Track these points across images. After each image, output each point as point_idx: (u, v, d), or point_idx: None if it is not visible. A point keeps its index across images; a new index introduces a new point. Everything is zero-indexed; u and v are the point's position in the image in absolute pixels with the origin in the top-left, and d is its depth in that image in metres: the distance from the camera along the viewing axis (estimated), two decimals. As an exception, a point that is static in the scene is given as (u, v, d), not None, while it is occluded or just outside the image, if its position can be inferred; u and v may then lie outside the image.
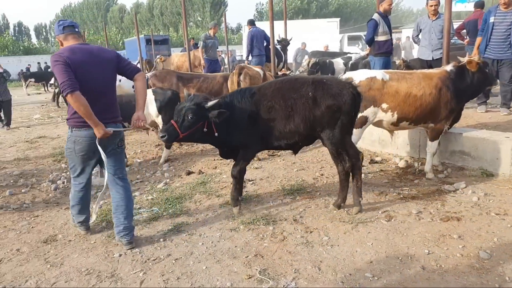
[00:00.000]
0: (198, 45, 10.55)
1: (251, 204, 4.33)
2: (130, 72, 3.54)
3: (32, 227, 4.11)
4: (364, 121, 4.71)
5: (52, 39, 77.43)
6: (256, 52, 9.68)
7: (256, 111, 3.80)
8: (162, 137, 3.64)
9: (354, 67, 10.87)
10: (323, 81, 3.80)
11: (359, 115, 4.65)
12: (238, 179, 4.02)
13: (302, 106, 3.72)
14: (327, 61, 13.09)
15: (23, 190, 5.30)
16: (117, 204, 3.51)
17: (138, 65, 17.53)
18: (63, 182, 5.52)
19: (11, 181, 5.77)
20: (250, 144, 3.94)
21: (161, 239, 3.62)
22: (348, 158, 3.92)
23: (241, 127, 3.82)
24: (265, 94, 3.86)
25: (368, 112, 4.65)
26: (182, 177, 5.57)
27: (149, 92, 6.02)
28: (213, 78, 7.95)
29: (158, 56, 14.66)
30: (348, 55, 14.19)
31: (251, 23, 10.00)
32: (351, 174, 3.99)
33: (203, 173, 5.64)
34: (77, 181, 3.60)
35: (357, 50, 19.97)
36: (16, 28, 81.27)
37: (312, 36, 20.01)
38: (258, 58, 9.62)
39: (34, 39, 76.21)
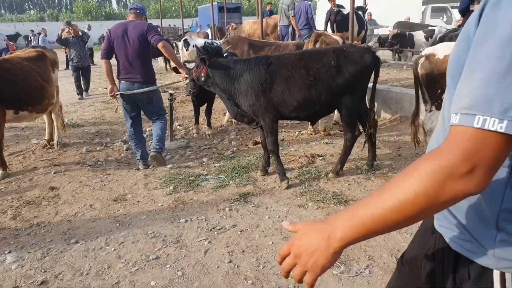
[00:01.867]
0: (289, 13, 10.13)
1: (321, 181, 4.07)
2: (153, 42, 4.45)
3: (104, 185, 4.24)
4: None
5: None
6: (301, 25, 9.62)
7: (271, 80, 3.82)
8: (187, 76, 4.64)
9: (442, 40, 9.84)
10: (343, 49, 3.92)
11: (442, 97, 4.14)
12: (276, 151, 4.03)
13: (325, 75, 3.78)
14: (407, 33, 12.08)
15: (98, 148, 5.53)
16: (154, 133, 4.83)
17: (209, 32, 17.65)
18: (135, 143, 5.67)
19: (88, 138, 6.05)
20: (262, 112, 3.88)
21: (227, 208, 3.52)
22: (362, 124, 4.21)
23: (250, 93, 3.86)
24: (284, 64, 3.87)
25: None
26: (248, 147, 5.44)
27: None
28: (286, 46, 7.59)
29: (230, 24, 14.52)
30: (430, 28, 12.97)
31: None
32: (366, 139, 4.26)
33: (270, 144, 5.45)
34: (127, 122, 4.78)
35: (441, 23, 18.23)
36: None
37: (393, 7, 18.57)
38: (302, 31, 9.60)
39: (114, 5, 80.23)
